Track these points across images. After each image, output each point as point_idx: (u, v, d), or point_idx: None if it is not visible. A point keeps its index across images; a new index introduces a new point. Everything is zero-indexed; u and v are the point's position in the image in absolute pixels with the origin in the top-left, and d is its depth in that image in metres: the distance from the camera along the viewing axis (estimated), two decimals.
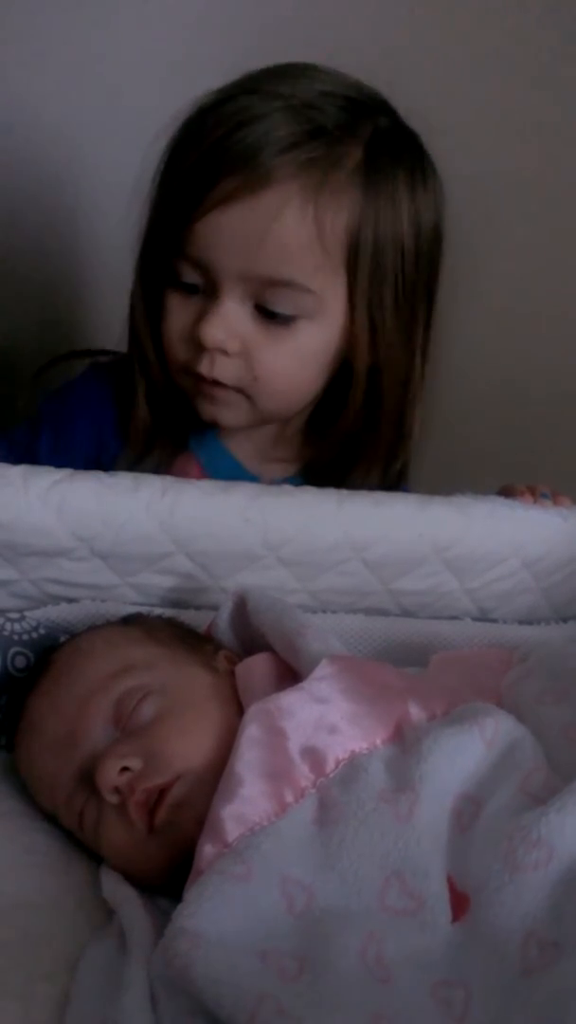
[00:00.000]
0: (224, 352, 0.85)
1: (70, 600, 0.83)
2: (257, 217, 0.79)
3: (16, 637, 0.80)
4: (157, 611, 0.84)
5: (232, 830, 0.60)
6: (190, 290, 0.85)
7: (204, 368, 0.86)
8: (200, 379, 0.87)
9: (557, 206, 1.26)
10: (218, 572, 0.83)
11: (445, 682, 0.74)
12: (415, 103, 1.19)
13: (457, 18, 1.17)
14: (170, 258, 0.84)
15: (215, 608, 0.81)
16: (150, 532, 0.80)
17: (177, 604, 0.85)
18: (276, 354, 0.86)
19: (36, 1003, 0.58)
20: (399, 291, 0.87)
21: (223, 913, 0.56)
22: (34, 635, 0.81)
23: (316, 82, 0.83)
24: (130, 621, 0.80)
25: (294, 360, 0.87)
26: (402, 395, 0.92)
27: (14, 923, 0.64)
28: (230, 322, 0.84)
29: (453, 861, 0.58)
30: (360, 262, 0.84)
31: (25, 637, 0.80)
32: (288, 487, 0.85)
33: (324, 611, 0.86)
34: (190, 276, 0.84)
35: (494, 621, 0.89)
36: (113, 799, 0.66)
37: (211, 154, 0.80)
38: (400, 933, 0.55)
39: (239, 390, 0.88)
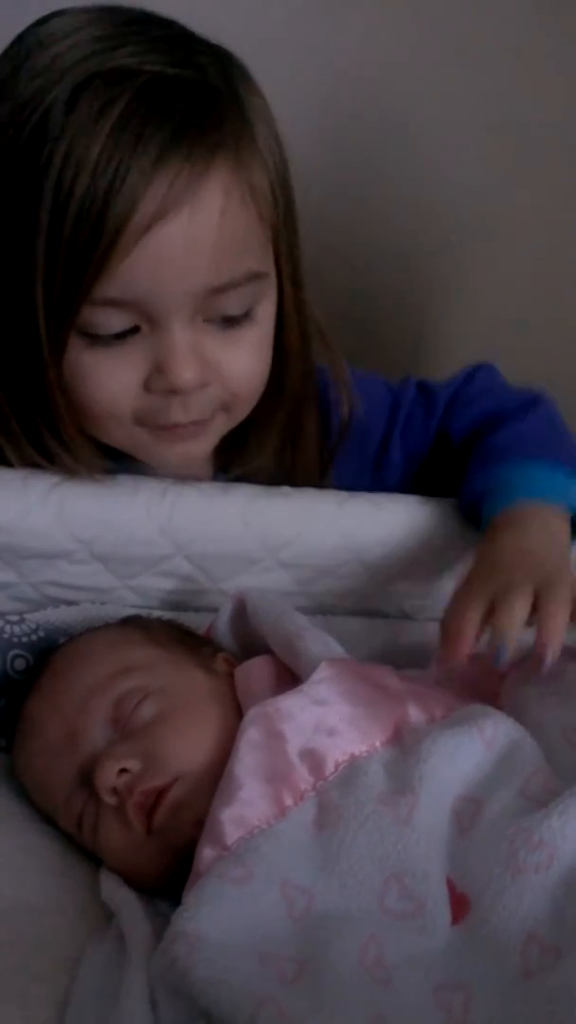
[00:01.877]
0: (198, 388, 0.73)
1: (70, 603, 0.83)
2: (198, 224, 0.66)
3: (16, 639, 0.80)
4: (156, 613, 0.84)
5: (231, 833, 0.60)
6: (116, 337, 0.70)
7: (177, 415, 0.73)
8: (166, 427, 0.75)
9: (554, 208, 1.26)
10: (217, 574, 0.83)
11: (445, 685, 0.74)
12: (414, 106, 1.20)
13: (455, 18, 1.17)
14: (74, 310, 0.67)
15: (214, 610, 0.81)
16: (150, 534, 0.80)
17: (176, 606, 0.85)
18: (245, 357, 0.74)
19: (35, 1005, 0.58)
20: (295, 223, 0.76)
21: (222, 916, 0.56)
22: (33, 637, 0.81)
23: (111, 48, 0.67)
24: (129, 623, 0.80)
25: (261, 351, 0.76)
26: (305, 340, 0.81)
27: (13, 925, 0.63)
28: (195, 354, 0.71)
29: (453, 863, 0.58)
30: (279, 211, 0.73)
31: (24, 639, 0.80)
32: (287, 489, 0.84)
33: (323, 613, 0.86)
34: (112, 323, 0.68)
35: None
36: (111, 800, 0.66)
37: (105, 187, 0.64)
38: (400, 936, 0.55)
39: (217, 410, 0.77)
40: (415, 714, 0.67)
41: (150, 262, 0.65)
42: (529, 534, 0.75)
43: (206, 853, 0.60)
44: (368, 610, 0.87)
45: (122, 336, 0.69)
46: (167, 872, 0.65)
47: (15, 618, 0.81)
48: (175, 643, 0.76)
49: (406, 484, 0.90)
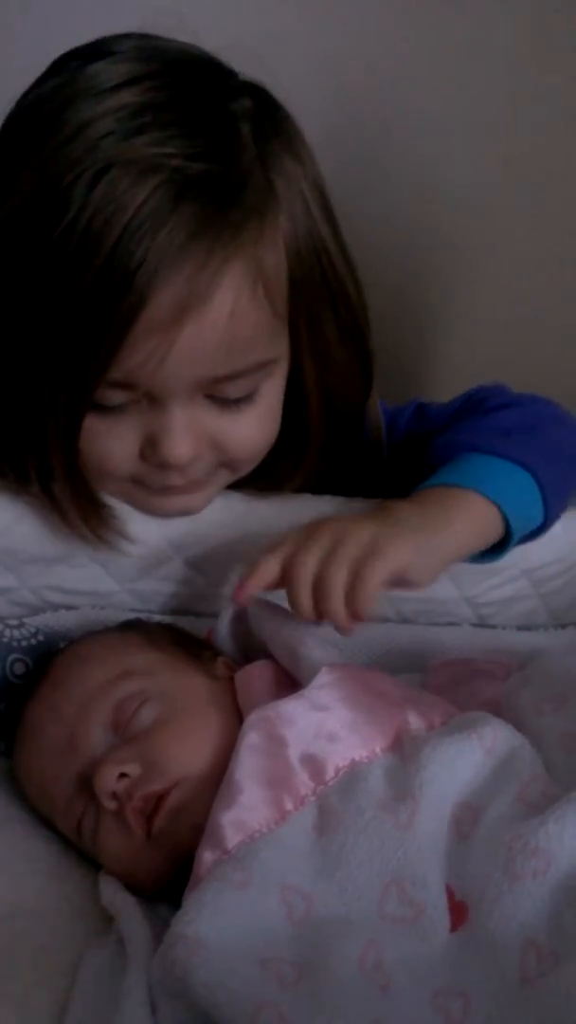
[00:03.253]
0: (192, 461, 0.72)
1: (69, 607, 0.83)
2: (206, 326, 0.66)
3: (15, 644, 0.80)
4: (156, 618, 0.84)
5: (231, 837, 0.60)
6: (116, 408, 0.70)
7: (173, 480, 0.74)
8: (164, 487, 0.75)
9: (555, 210, 1.26)
10: (217, 579, 0.83)
11: (444, 692, 0.74)
12: (412, 107, 1.20)
13: (456, 19, 1.17)
14: (83, 396, 0.68)
15: (214, 615, 0.81)
16: (150, 538, 0.80)
17: (176, 611, 0.85)
18: (246, 429, 0.74)
19: (35, 1010, 0.58)
20: (332, 294, 0.75)
21: (222, 920, 0.56)
22: (33, 642, 0.81)
23: (131, 93, 0.66)
24: (129, 627, 0.80)
25: (264, 422, 0.75)
26: (356, 396, 0.81)
27: (13, 930, 0.64)
28: (191, 430, 0.71)
29: (452, 870, 0.58)
30: (299, 293, 0.72)
31: (24, 644, 0.80)
32: (286, 493, 0.84)
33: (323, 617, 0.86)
34: (112, 398, 0.69)
35: (493, 627, 0.89)
36: (111, 805, 0.66)
37: (112, 273, 0.63)
38: (399, 941, 0.55)
39: (216, 469, 0.77)
40: (415, 721, 0.67)
41: (157, 354, 0.66)
42: (418, 508, 0.71)
43: (206, 857, 0.60)
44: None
45: (121, 406, 0.70)
46: (166, 876, 0.65)
47: (15, 622, 0.81)
48: (175, 647, 0.76)
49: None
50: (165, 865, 0.65)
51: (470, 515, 0.72)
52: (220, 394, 0.71)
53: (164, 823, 0.65)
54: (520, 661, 0.78)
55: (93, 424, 0.70)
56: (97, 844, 0.68)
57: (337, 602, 0.65)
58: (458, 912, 0.56)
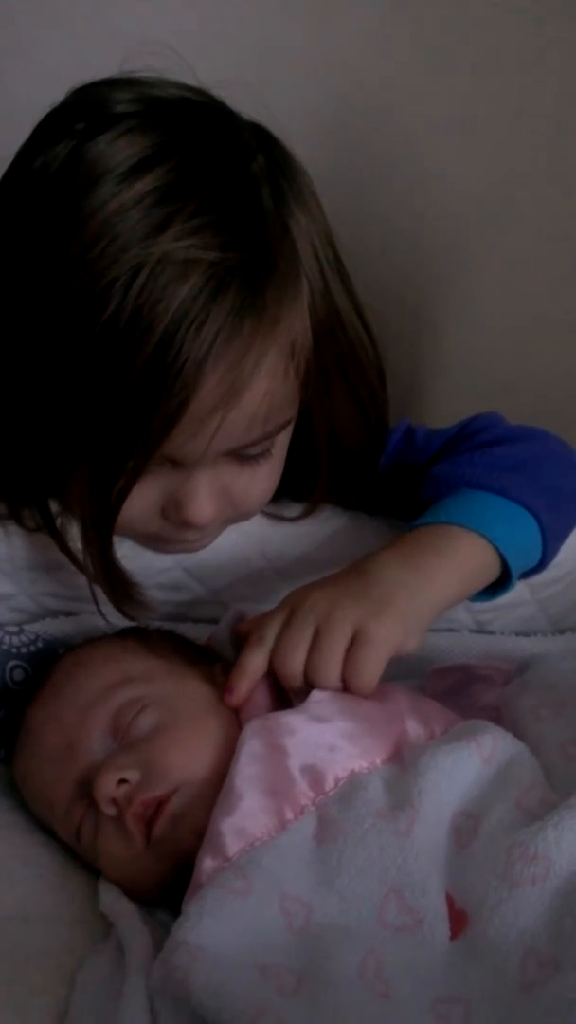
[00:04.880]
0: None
1: (68, 614, 0.83)
2: (246, 408, 0.67)
3: (15, 650, 0.80)
4: (155, 624, 0.84)
5: (232, 844, 0.60)
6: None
7: (191, 538, 0.75)
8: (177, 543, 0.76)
9: (553, 209, 1.26)
10: (216, 586, 0.83)
11: (443, 699, 0.74)
12: (410, 110, 1.20)
13: (455, 22, 1.17)
14: (128, 471, 0.67)
15: (213, 621, 0.82)
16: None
17: (176, 617, 0.85)
18: (258, 483, 0.75)
19: (34, 1017, 0.58)
20: (344, 349, 0.75)
21: (223, 927, 0.56)
22: (32, 648, 0.81)
23: (146, 177, 0.64)
24: (128, 634, 0.80)
25: (272, 475, 0.76)
26: (365, 446, 0.81)
27: (12, 936, 0.64)
28: (213, 492, 0.72)
29: (451, 878, 0.58)
30: (319, 353, 0.72)
31: (24, 650, 0.81)
32: (285, 499, 0.85)
33: None
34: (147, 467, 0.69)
35: (491, 633, 0.89)
36: (111, 811, 0.66)
37: (159, 369, 0.63)
38: (399, 949, 0.55)
39: (225, 524, 0.78)
40: (414, 730, 0.67)
41: (200, 437, 0.67)
42: (405, 556, 0.71)
43: (207, 864, 0.60)
44: None
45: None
46: (165, 883, 0.66)
47: (14, 629, 0.81)
48: (174, 653, 0.76)
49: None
50: (164, 871, 0.65)
51: (466, 561, 0.73)
52: (242, 454, 0.71)
53: (164, 829, 0.65)
54: (519, 667, 0.78)
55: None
56: (97, 850, 0.68)
57: (335, 686, 0.67)
58: (458, 919, 0.56)
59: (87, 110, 0.68)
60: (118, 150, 0.65)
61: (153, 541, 0.77)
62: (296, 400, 0.73)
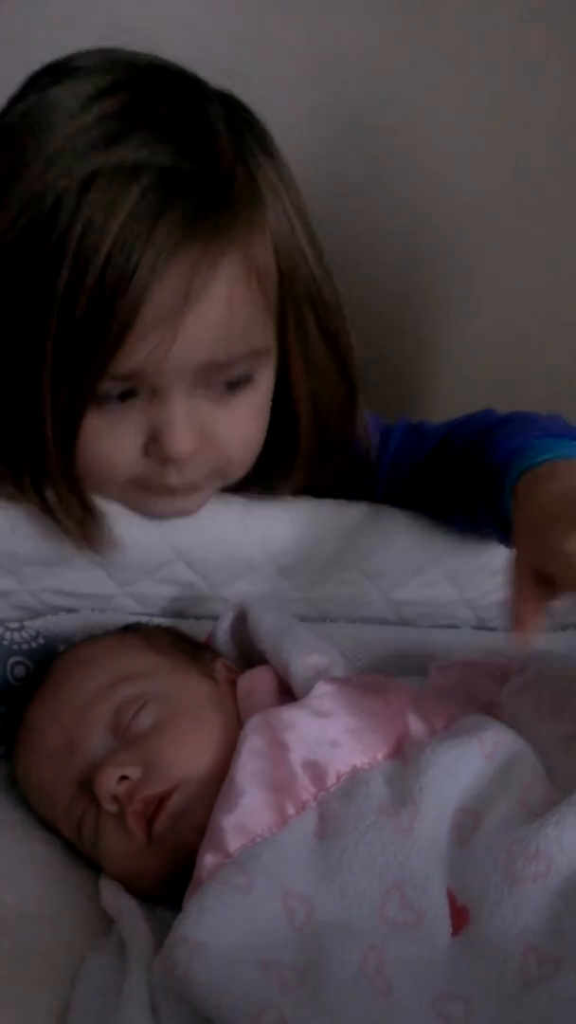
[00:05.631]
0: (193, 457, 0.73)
1: (69, 610, 0.83)
2: (205, 316, 0.67)
3: (16, 647, 0.80)
4: (156, 621, 0.84)
5: (233, 840, 0.60)
6: (119, 398, 0.71)
7: (172, 479, 0.74)
8: (162, 488, 0.76)
9: (552, 208, 1.26)
10: (217, 581, 0.83)
11: (445, 695, 0.74)
12: (410, 109, 1.20)
13: (454, 21, 1.17)
14: (86, 393, 0.69)
15: (215, 617, 0.82)
16: (149, 540, 0.80)
17: (177, 614, 0.85)
18: (241, 424, 0.75)
19: (35, 1013, 0.58)
20: (312, 294, 0.76)
21: (224, 923, 0.56)
22: (34, 645, 0.81)
23: (99, 107, 0.67)
24: (129, 630, 0.80)
25: (256, 419, 0.77)
26: (342, 399, 0.82)
27: (13, 933, 0.64)
28: (192, 423, 0.72)
29: (453, 874, 0.58)
30: (288, 285, 0.74)
31: (25, 647, 0.80)
32: (286, 496, 0.85)
33: (323, 620, 0.87)
34: (115, 387, 0.70)
35: (493, 630, 0.90)
36: (112, 808, 0.66)
37: (116, 281, 0.65)
38: (400, 946, 0.55)
39: (210, 475, 0.78)
40: (416, 726, 0.67)
41: (157, 346, 0.67)
42: (563, 479, 0.68)
43: (208, 860, 0.60)
44: (368, 617, 0.87)
45: (123, 397, 0.71)
46: (167, 879, 0.65)
47: (15, 625, 0.81)
48: (175, 650, 0.76)
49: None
50: (166, 867, 0.65)
51: None
52: (217, 380, 0.72)
53: (165, 826, 0.65)
54: (520, 663, 0.78)
55: (95, 424, 0.71)
56: (98, 847, 0.68)
57: None
58: (459, 916, 0.56)
59: (54, 68, 0.72)
60: (79, 86, 0.68)
61: (141, 492, 0.76)
62: (269, 328, 0.73)
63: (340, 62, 1.17)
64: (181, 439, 0.71)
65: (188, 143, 0.68)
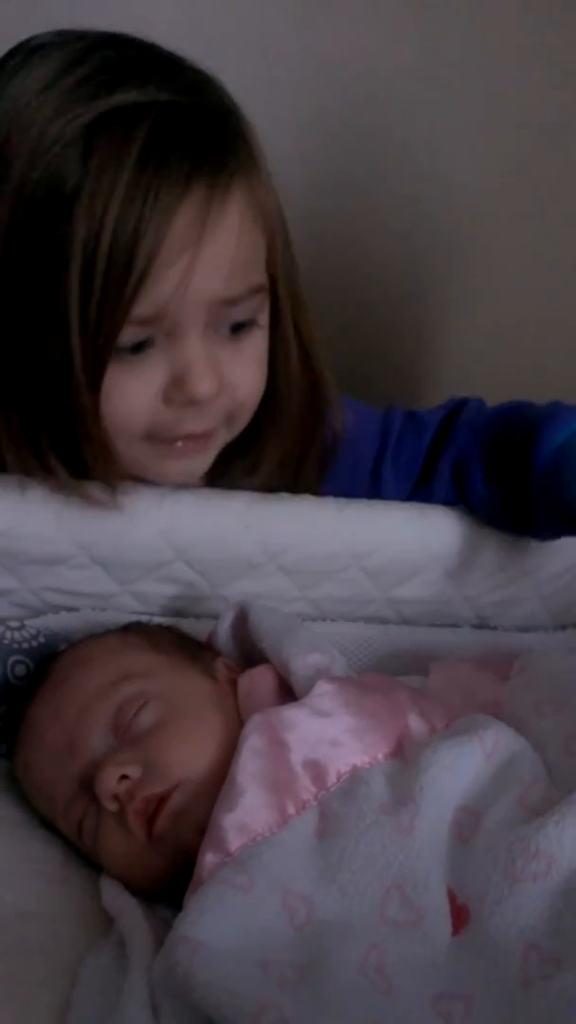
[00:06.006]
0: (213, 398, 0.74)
1: (70, 609, 0.83)
2: (221, 246, 0.69)
3: (16, 645, 0.80)
4: (157, 619, 0.84)
5: (234, 839, 0.60)
6: (133, 350, 0.71)
7: (194, 426, 0.75)
8: (176, 440, 0.76)
9: (555, 211, 1.26)
10: (218, 580, 0.83)
11: (445, 695, 0.74)
12: (413, 109, 1.20)
13: (455, 21, 1.17)
14: (113, 336, 0.69)
15: (215, 617, 0.81)
16: (150, 539, 0.80)
17: (177, 613, 0.85)
18: (251, 366, 0.77)
19: (36, 1012, 0.58)
20: (288, 239, 0.78)
21: (224, 922, 0.56)
22: (34, 643, 0.81)
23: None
24: (130, 629, 0.80)
25: (260, 364, 0.78)
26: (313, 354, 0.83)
27: (14, 931, 0.64)
28: (210, 362, 0.73)
29: (453, 874, 0.58)
30: (277, 227, 0.76)
31: (25, 645, 0.80)
32: (286, 494, 0.85)
33: (324, 619, 0.87)
34: (134, 336, 0.70)
35: (493, 629, 0.90)
36: (112, 807, 0.66)
37: (135, 221, 0.66)
38: (400, 945, 0.55)
39: (221, 422, 0.78)
40: (416, 725, 0.67)
41: (177, 282, 0.68)
42: None
43: (208, 859, 0.60)
44: (369, 616, 0.87)
45: (138, 348, 0.71)
46: (167, 878, 0.65)
47: (16, 624, 0.81)
48: (176, 649, 0.76)
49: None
50: (166, 867, 0.66)
51: None
52: (228, 320, 0.73)
53: (165, 825, 0.65)
54: (521, 663, 0.78)
55: (114, 374, 0.71)
56: (98, 846, 0.68)
57: None
58: (459, 915, 0.56)
59: (18, 50, 0.72)
60: (58, 53, 0.69)
61: (154, 449, 0.76)
62: (263, 270, 0.75)
63: (340, 62, 1.17)
64: (203, 379, 0.72)
65: (179, 83, 0.70)
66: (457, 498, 0.86)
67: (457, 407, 0.89)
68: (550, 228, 1.27)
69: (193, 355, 0.72)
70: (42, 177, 0.67)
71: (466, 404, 0.89)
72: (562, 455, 0.76)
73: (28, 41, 0.72)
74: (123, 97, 0.67)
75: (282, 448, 0.84)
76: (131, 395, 0.72)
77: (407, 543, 0.84)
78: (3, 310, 0.71)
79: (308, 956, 0.55)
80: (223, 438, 0.80)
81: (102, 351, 0.69)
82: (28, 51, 0.71)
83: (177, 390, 0.72)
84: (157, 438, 0.75)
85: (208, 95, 0.72)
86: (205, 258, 0.68)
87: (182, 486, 0.82)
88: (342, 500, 0.84)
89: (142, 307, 0.68)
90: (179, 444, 0.76)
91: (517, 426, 0.82)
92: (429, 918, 0.56)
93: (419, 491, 0.88)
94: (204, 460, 0.80)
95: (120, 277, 0.66)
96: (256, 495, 0.83)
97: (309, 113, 1.17)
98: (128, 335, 0.69)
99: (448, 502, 0.86)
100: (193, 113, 0.69)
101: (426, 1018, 0.52)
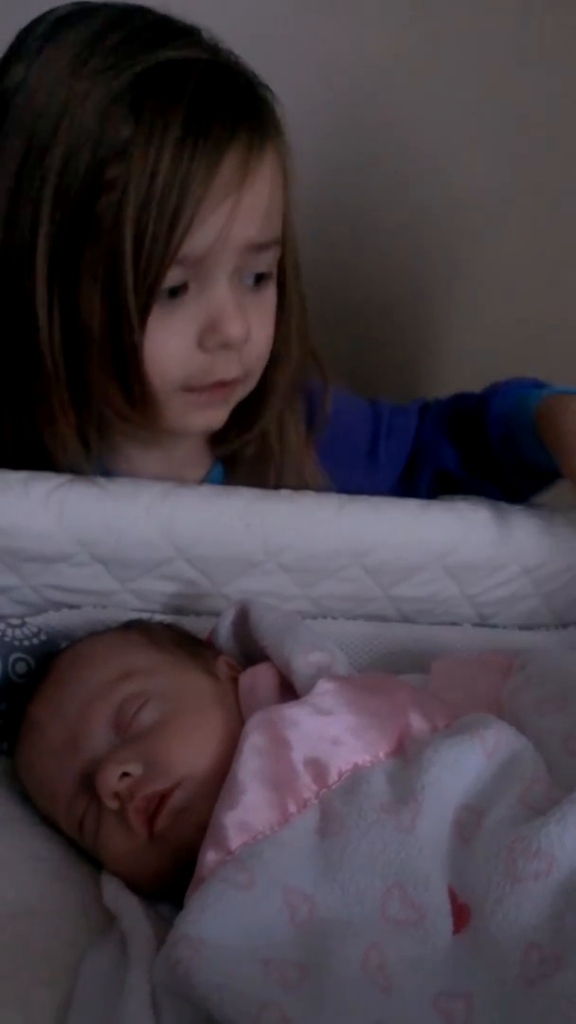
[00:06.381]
0: (245, 341, 0.77)
1: (71, 606, 0.83)
2: (258, 193, 0.74)
3: (17, 643, 0.80)
4: (158, 617, 0.84)
5: (235, 838, 0.60)
6: (171, 294, 0.74)
7: (224, 372, 0.78)
8: (206, 388, 0.78)
9: (555, 211, 1.27)
10: (218, 578, 0.83)
11: (446, 693, 0.74)
12: (412, 108, 1.20)
13: (457, 20, 1.17)
14: (161, 276, 0.72)
15: (216, 614, 0.81)
16: (150, 537, 0.80)
17: (178, 610, 0.85)
18: (266, 318, 0.81)
19: (37, 1010, 0.58)
20: (293, 236, 0.82)
21: (225, 921, 0.56)
22: (35, 641, 0.81)
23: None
24: (131, 627, 0.80)
25: (271, 321, 0.82)
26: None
27: (15, 929, 0.63)
28: (239, 308, 0.76)
29: (454, 872, 0.58)
30: (290, 192, 0.79)
31: (26, 643, 0.80)
32: (287, 492, 0.85)
33: (324, 617, 0.87)
34: (176, 279, 0.73)
35: (494, 627, 0.90)
36: (113, 805, 0.66)
37: (185, 170, 0.70)
38: (401, 944, 0.55)
39: (243, 371, 0.81)
40: (417, 724, 0.67)
41: (222, 224, 0.72)
42: None
43: (209, 857, 0.60)
44: (369, 614, 0.87)
45: (174, 293, 0.74)
46: (168, 876, 0.65)
47: (17, 621, 0.81)
48: (177, 647, 0.76)
49: (394, 487, 0.96)
50: (167, 865, 0.65)
51: None
52: (252, 268, 0.77)
53: (166, 823, 0.65)
54: (521, 661, 0.78)
55: (157, 316, 0.74)
56: (99, 843, 0.68)
57: None
58: (460, 914, 0.56)
59: (44, 18, 0.75)
60: (92, 14, 0.74)
61: (186, 399, 0.79)
62: (281, 222, 0.79)
63: (340, 61, 1.18)
64: (235, 320, 0.76)
65: (210, 47, 0.75)
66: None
67: (425, 403, 0.97)
68: (550, 228, 1.27)
69: (225, 298, 0.75)
70: (94, 128, 0.70)
71: (466, 393, 0.96)
72: (511, 422, 0.85)
73: (49, 13, 0.75)
74: (169, 53, 0.71)
75: (276, 408, 0.87)
76: (172, 337, 0.75)
77: (408, 541, 0.84)
78: (55, 262, 0.73)
79: (309, 954, 0.55)
80: (239, 393, 0.83)
81: (150, 290, 0.72)
82: (53, 21, 0.74)
83: (211, 333, 0.76)
84: (191, 387, 0.78)
85: (236, 57, 0.77)
86: (245, 203, 0.73)
87: (182, 485, 0.82)
88: (343, 497, 0.84)
89: (189, 247, 0.72)
90: (207, 393, 0.79)
91: (468, 408, 0.91)
92: (430, 917, 0.56)
93: (408, 474, 0.96)
94: (223, 412, 0.83)
95: (172, 219, 0.71)
96: (257, 492, 0.83)
97: (309, 113, 1.17)
98: (172, 276, 0.73)
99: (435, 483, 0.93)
100: (232, 72, 0.74)
101: (427, 1017, 0.52)
